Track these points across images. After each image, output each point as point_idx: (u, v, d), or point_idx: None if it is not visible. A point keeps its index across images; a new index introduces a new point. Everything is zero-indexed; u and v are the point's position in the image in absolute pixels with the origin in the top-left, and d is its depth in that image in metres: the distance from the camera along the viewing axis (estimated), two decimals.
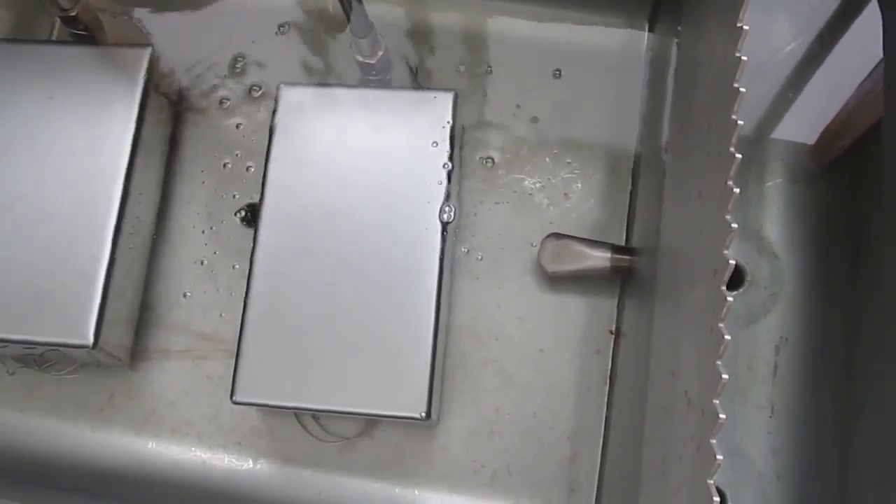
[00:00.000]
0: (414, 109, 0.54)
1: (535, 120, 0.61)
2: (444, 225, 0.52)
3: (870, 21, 0.48)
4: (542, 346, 0.56)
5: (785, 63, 0.57)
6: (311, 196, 0.53)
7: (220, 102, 0.63)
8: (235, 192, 0.61)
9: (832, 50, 0.56)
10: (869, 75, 0.52)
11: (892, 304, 0.43)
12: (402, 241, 0.52)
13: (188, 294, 0.59)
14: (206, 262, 0.60)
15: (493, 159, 0.61)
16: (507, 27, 0.64)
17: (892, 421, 0.42)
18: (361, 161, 0.54)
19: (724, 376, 0.32)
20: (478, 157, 0.61)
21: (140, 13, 0.66)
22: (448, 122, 0.54)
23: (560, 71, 0.62)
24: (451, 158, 0.54)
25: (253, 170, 0.61)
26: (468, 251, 0.59)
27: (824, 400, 0.51)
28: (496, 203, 0.60)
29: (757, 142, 0.56)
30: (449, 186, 0.53)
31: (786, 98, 0.56)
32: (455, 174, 0.55)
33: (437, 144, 0.54)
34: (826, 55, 0.56)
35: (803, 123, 0.55)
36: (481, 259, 0.59)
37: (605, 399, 0.55)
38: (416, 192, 0.53)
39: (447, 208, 0.52)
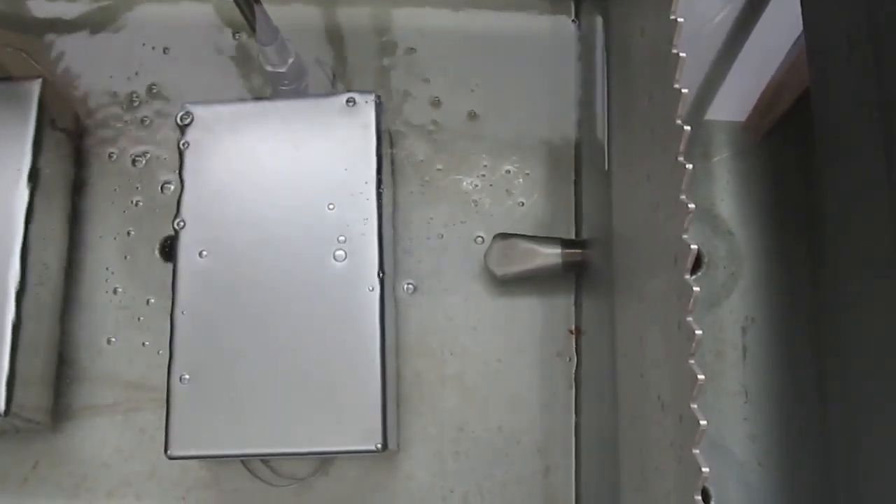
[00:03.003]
0: (335, 117, 0.50)
1: (467, 116, 0.58)
2: (381, 241, 0.48)
3: None
4: (499, 355, 0.53)
5: (716, 34, 0.54)
6: (231, 224, 0.49)
7: (126, 132, 0.58)
8: (152, 226, 0.56)
9: (762, 16, 0.54)
10: (791, 48, 0.51)
11: (846, 282, 0.40)
12: (336, 261, 0.48)
13: (111, 341, 0.54)
14: (127, 304, 0.55)
15: (426, 162, 0.57)
16: (428, 19, 0.60)
17: (866, 396, 0.39)
18: (284, 179, 0.50)
19: (700, 377, 0.28)
20: (410, 161, 0.57)
21: (31, 43, 0.60)
22: (373, 127, 0.50)
23: (487, 61, 0.58)
24: (379, 166, 0.50)
25: (167, 201, 0.56)
26: (410, 261, 0.55)
27: (799, 379, 0.49)
28: (435, 208, 0.56)
29: (694, 117, 0.53)
30: (381, 195, 0.49)
31: (719, 71, 0.54)
32: (387, 181, 0.51)
33: (363, 151, 0.50)
34: (756, 22, 0.54)
35: (734, 100, 0.54)
36: (424, 270, 0.55)
37: (573, 405, 0.52)
38: (347, 207, 0.49)
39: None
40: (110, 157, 0.58)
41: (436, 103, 0.58)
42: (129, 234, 0.56)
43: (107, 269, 0.55)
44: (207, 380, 0.46)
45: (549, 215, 0.55)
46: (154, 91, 0.59)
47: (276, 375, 0.46)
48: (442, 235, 0.55)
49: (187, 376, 0.46)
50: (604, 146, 0.48)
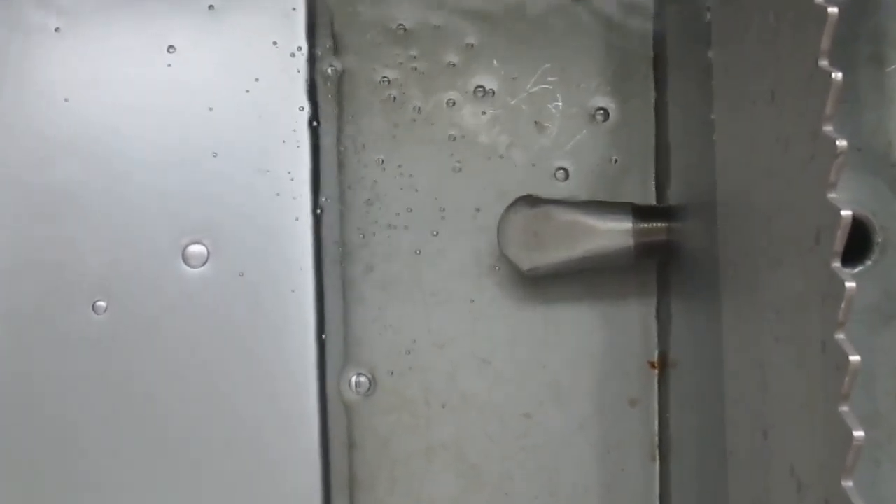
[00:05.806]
0: (240, 3, 0.52)
1: None
2: (317, 218, 0.51)
3: None
4: (527, 407, 0.55)
5: None
6: (67, 193, 0.51)
7: None
8: None
9: None
10: None
11: None
12: (246, 246, 0.51)
13: None
14: None
15: (395, 78, 0.58)
16: None
17: None
18: (150, 115, 0.52)
19: (858, 433, 0.29)
20: (375, 78, 0.58)
21: None
22: (301, 18, 0.52)
23: None
24: (312, 86, 0.52)
25: None
26: (367, 248, 0.56)
27: None
28: (410, 156, 0.57)
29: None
30: (317, 136, 0.51)
31: None
32: (326, 112, 0.53)
33: (285, 63, 0.52)
34: None
35: None
36: (395, 263, 0.56)
37: (658, 487, 0.54)
38: (259, 159, 0.51)
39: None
40: None
41: None
42: None
43: None
44: (29, 468, 0.49)
45: (609, 165, 0.57)
46: None
47: (149, 456, 0.49)
48: (422, 205, 0.56)
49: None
50: (703, 45, 0.49)
